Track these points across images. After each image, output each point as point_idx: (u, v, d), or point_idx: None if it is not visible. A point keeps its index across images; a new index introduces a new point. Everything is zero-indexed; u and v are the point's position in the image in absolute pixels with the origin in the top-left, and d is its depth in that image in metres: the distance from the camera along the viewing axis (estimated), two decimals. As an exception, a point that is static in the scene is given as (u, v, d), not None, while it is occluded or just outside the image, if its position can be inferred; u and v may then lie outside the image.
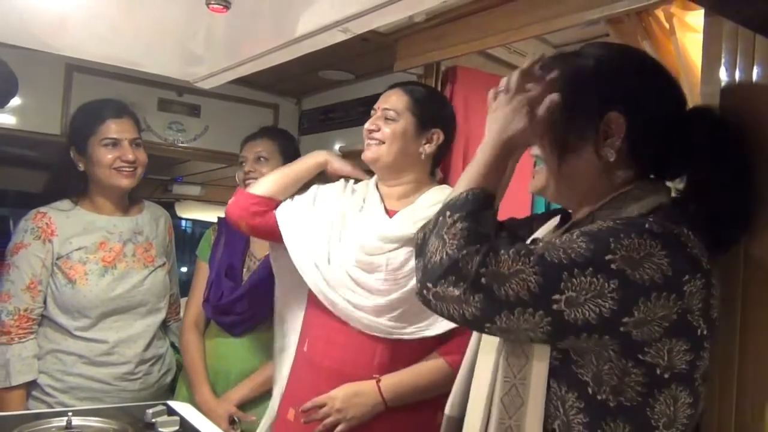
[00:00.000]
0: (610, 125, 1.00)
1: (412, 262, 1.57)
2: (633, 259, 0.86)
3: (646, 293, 0.86)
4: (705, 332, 0.91)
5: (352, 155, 2.04)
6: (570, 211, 1.14)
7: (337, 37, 1.28)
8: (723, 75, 1.14)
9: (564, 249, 0.89)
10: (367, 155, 1.72)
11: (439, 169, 1.87)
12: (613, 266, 0.86)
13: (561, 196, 1.11)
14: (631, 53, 1.10)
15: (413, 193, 1.73)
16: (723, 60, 1.14)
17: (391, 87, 1.78)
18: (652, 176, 1.05)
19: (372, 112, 1.75)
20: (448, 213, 0.96)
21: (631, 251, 0.87)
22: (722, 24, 1.13)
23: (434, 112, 1.75)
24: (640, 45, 1.51)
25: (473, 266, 0.89)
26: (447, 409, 1.15)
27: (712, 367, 0.99)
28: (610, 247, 0.87)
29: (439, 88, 2.07)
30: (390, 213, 1.71)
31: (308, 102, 2.94)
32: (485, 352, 1.05)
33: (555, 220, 1.18)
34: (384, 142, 1.69)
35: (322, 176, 1.89)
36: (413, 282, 1.53)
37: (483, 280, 0.88)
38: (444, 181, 1.91)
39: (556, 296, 0.87)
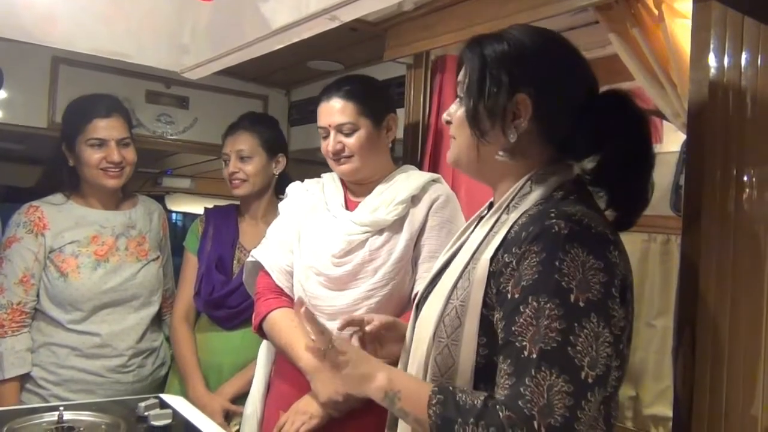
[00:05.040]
0: (518, 107, 1.05)
1: (389, 245, 1.62)
2: (582, 281, 0.91)
3: (610, 297, 0.93)
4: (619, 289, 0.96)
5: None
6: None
7: (325, 25, 1.26)
8: (712, 61, 1.15)
9: (547, 326, 0.90)
10: (342, 170, 1.71)
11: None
12: (581, 303, 0.90)
13: (474, 172, 1.15)
14: (547, 37, 1.11)
15: (379, 180, 1.73)
16: (712, 46, 1.14)
17: (326, 96, 1.71)
18: (562, 156, 1.09)
19: (320, 131, 1.72)
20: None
21: (575, 273, 0.91)
22: (711, 10, 1.14)
23: (380, 101, 1.74)
24: (629, 32, 1.51)
25: None
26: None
27: (702, 358, 1.01)
28: (563, 287, 0.91)
29: (429, 77, 2.06)
30: (352, 204, 1.73)
31: (297, 93, 2.93)
32: None
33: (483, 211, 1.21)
34: (353, 155, 1.68)
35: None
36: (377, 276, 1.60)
37: (542, 429, 0.88)
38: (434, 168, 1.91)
39: (584, 371, 0.89)
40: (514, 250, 0.97)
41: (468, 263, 1.05)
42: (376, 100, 1.73)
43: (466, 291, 1.02)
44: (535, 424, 0.87)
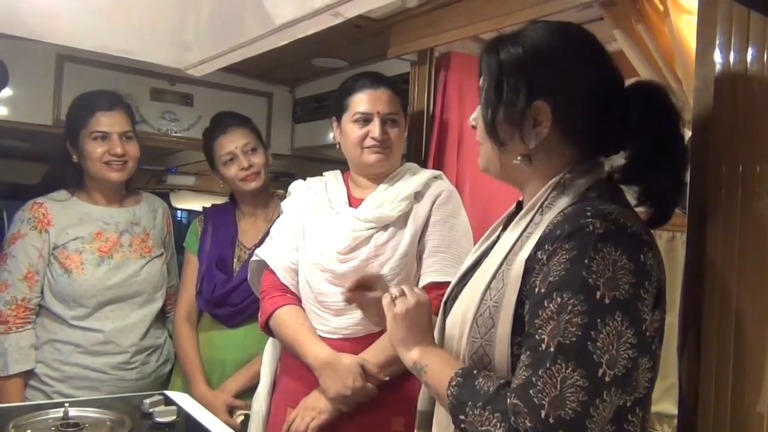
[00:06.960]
0: (538, 114, 1.03)
1: (394, 241, 1.63)
2: (610, 279, 0.90)
3: (639, 299, 0.91)
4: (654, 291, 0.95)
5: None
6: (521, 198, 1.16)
7: (329, 21, 1.26)
8: (718, 57, 1.13)
9: (568, 320, 0.89)
10: (374, 159, 1.70)
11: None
12: (607, 300, 0.89)
13: (504, 176, 1.13)
14: (567, 35, 1.08)
15: (384, 177, 1.74)
16: (718, 41, 1.13)
17: (372, 84, 1.71)
18: (591, 155, 1.07)
19: (356, 116, 1.69)
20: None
21: (604, 271, 0.90)
22: (717, 5, 1.13)
23: (405, 98, 1.78)
24: (634, 28, 1.50)
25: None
26: (419, 405, 1.19)
27: (707, 356, 1.02)
28: (589, 283, 0.89)
29: (433, 74, 2.06)
30: (356, 201, 1.74)
31: (302, 90, 2.93)
32: None
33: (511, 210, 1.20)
34: (391, 147, 1.70)
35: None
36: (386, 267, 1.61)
37: (550, 420, 0.86)
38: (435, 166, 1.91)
39: (602, 369, 0.87)
40: (547, 247, 0.95)
41: (501, 264, 1.04)
42: (404, 96, 1.78)
43: (500, 292, 1.00)
44: (543, 413, 0.86)
